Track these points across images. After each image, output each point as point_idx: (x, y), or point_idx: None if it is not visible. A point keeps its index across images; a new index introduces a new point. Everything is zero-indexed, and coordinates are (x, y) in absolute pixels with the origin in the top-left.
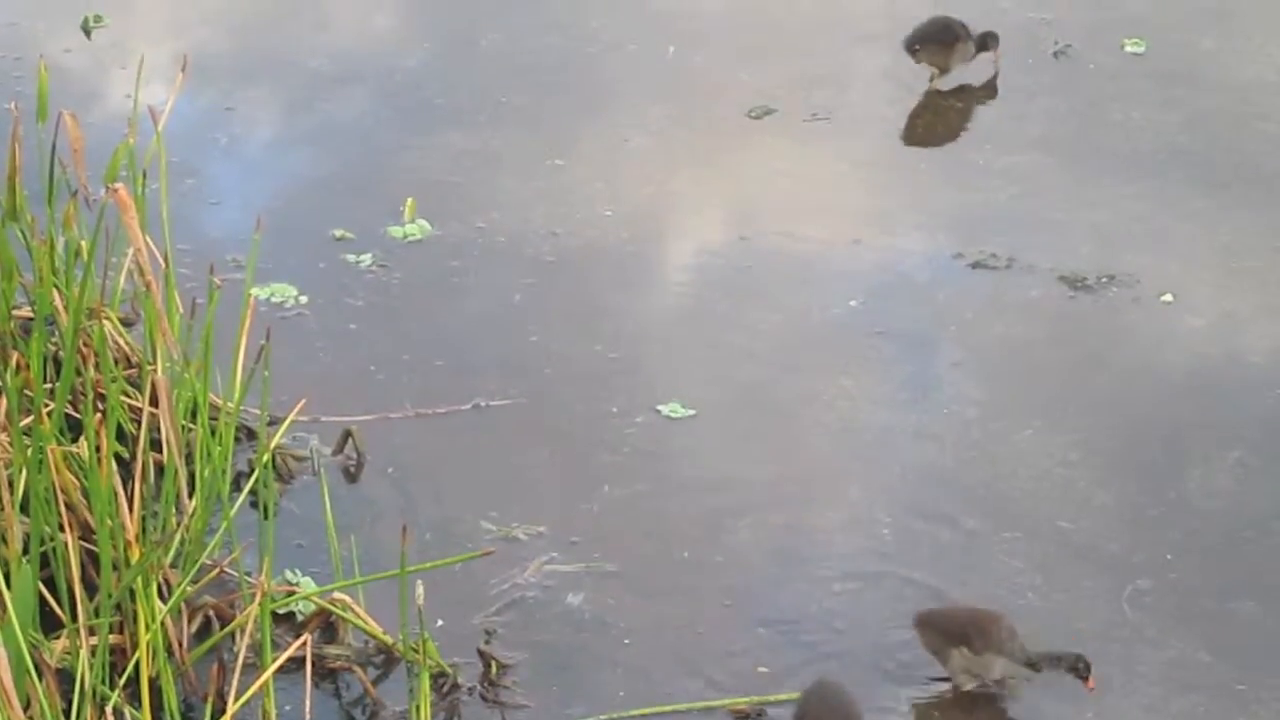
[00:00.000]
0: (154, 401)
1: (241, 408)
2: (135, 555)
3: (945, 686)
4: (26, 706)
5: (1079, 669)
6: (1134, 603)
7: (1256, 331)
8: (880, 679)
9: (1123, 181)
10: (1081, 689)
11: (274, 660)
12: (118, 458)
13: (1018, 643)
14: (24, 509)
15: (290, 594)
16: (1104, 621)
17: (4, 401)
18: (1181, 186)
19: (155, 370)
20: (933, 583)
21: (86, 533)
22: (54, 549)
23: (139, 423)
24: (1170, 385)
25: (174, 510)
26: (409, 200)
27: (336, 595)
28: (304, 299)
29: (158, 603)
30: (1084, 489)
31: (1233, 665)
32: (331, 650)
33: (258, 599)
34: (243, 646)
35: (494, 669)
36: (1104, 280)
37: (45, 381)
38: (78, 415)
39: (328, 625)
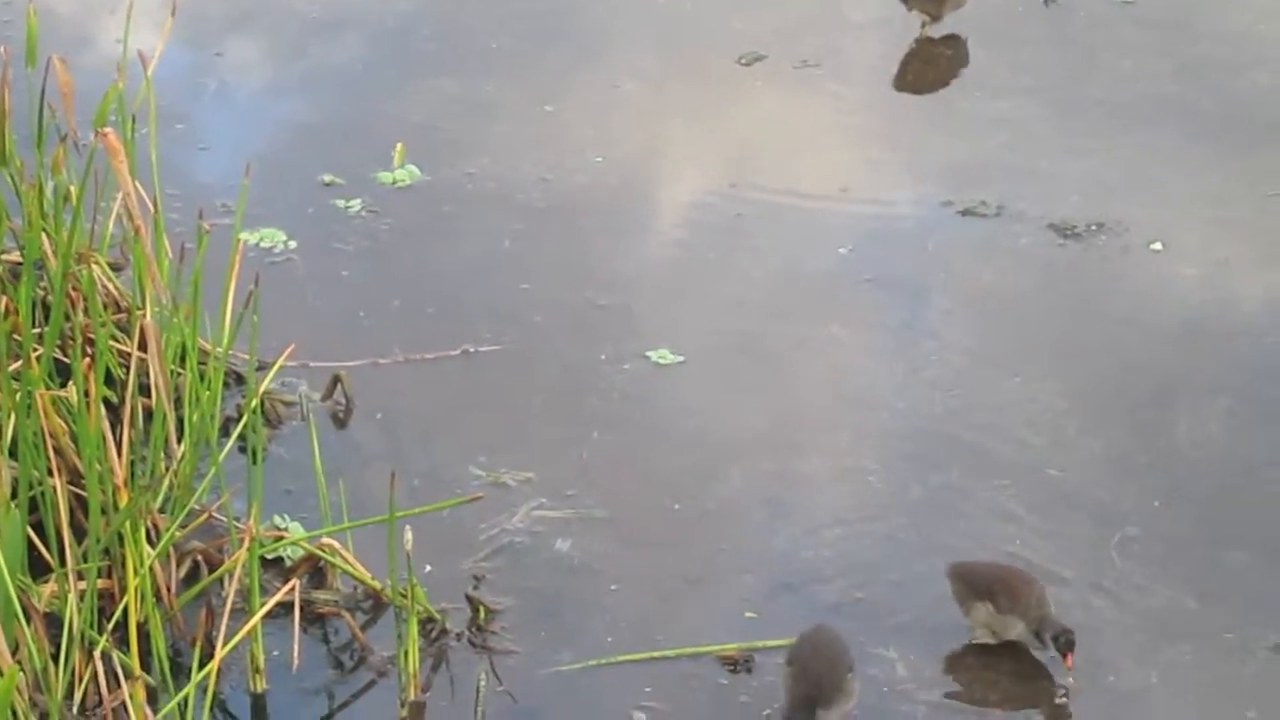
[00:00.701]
0: (143, 346)
1: (230, 353)
2: (124, 500)
3: (936, 634)
4: (14, 650)
5: (1059, 641)
6: (1122, 550)
7: (1246, 279)
8: (870, 626)
9: (1113, 130)
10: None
11: (262, 605)
12: (106, 403)
13: (1043, 612)
14: (12, 454)
15: (279, 539)
16: (1092, 569)
17: None
18: (1172, 135)
19: (144, 315)
20: (922, 530)
21: (75, 477)
22: (42, 494)
23: (128, 368)
24: (1160, 333)
25: (162, 455)
26: (399, 146)
27: (325, 540)
28: (293, 244)
29: (146, 547)
30: (1073, 436)
31: (1221, 614)
32: (320, 595)
33: (246, 544)
34: (231, 591)
35: (482, 614)
36: (1094, 228)
37: (34, 326)
38: (66, 360)
39: (316, 570)
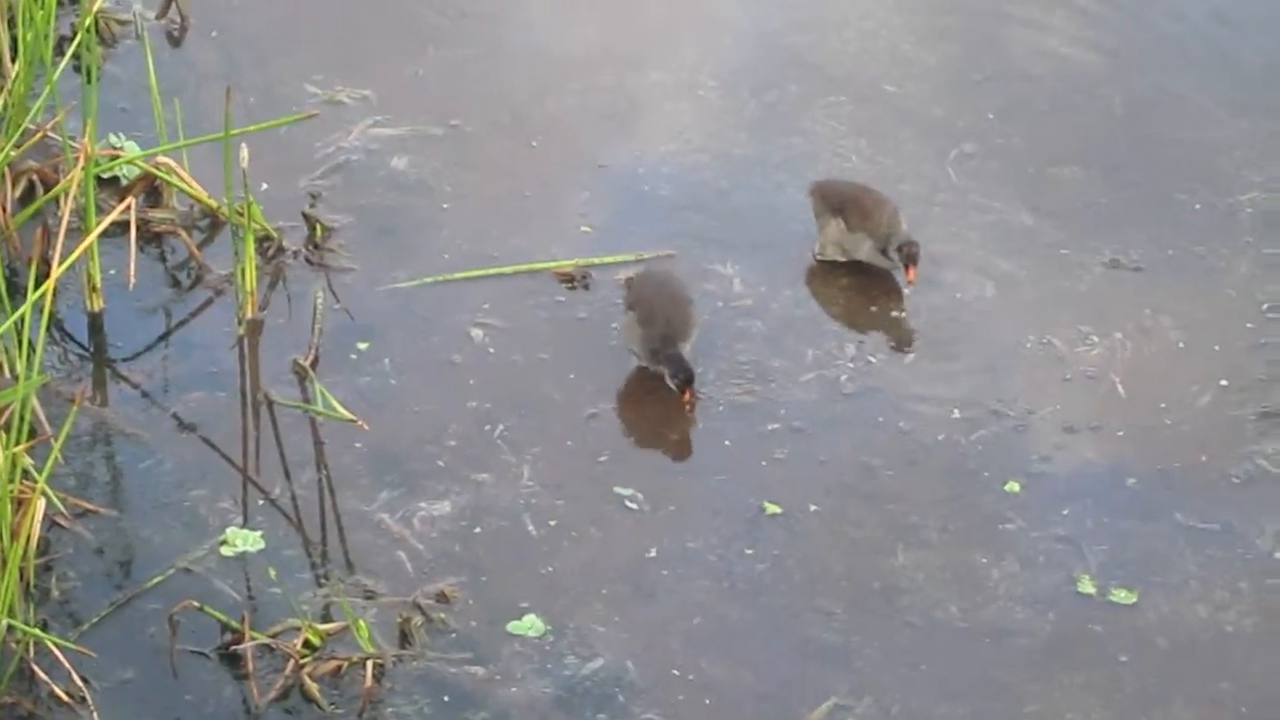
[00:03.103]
0: None
1: None
2: None
3: (772, 250)
4: None
5: (901, 253)
6: (958, 166)
7: None
8: (706, 242)
9: None
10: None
11: (98, 224)
12: None
13: (894, 233)
14: None
15: (114, 158)
16: (929, 185)
17: None
18: None
19: None
20: (758, 146)
21: None
22: None
23: None
24: None
25: None
26: None
27: (160, 159)
28: None
29: None
30: (909, 52)
31: (1056, 228)
32: (156, 214)
33: (81, 163)
34: (66, 211)
35: (319, 232)
36: None
37: None
38: None
39: (152, 190)
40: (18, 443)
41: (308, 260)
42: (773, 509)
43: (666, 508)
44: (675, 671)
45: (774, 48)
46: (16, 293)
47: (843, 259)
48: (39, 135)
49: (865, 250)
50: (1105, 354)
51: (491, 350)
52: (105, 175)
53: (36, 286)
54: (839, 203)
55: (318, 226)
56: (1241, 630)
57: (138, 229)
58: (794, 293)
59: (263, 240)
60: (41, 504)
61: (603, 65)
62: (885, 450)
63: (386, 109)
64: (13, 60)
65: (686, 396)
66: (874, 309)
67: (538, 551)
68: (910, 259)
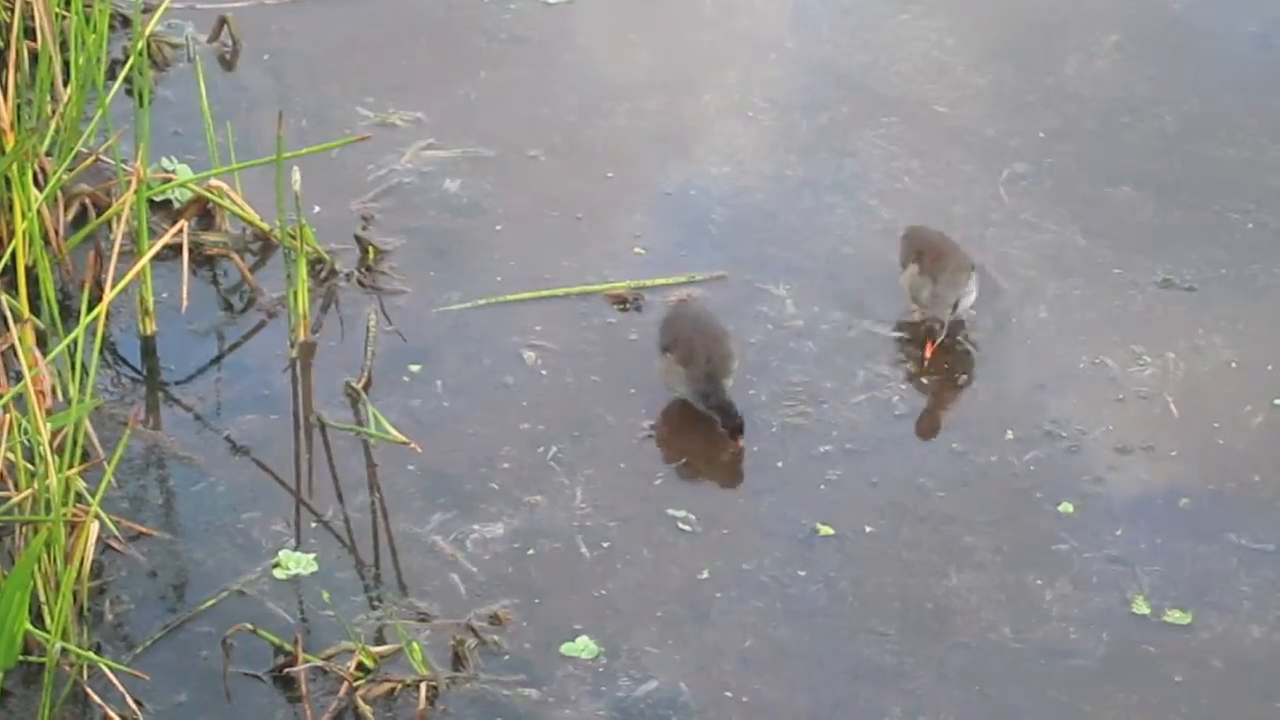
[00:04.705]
0: None
1: None
2: (10, 143)
3: (824, 271)
4: None
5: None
6: (1010, 186)
7: None
8: (758, 263)
9: None
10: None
11: (150, 247)
12: None
13: (957, 281)
14: None
15: (166, 181)
16: (980, 205)
17: None
18: None
19: None
20: (810, 168)
21: None
22: None
23: (12, 10)
24: None
25: (49, 98)
26: None
27: (213, 182)
28: None
29: (33, 191)
30: (961, 73)
31: (1109, 249)
32: (208, 237)
33: (133, 186)
34: (119, 234)
35: (371, 255)
36: None
37: None
38: None
39: (204, 213)
40: (71, 466)
41: (360, 283)
42: (826, 530)
43: (719, 530)
44: (729, 693)
45: (825, 69)
46: (69, 316)
47: (915, 312)
48: (91, 159)
49: (928, 292)
50: (1158, 374)
51: (544, 372)
52: (157, 199)
53: (89, 310)
54: (919, 248)
55: (370, 249)
56: None
57: (190, 252)
58: (845, 314)
59: (315, 263)
60: (95, 527)
61: (654, 88)
62: (938, 471)
63: (438, 131)
64: (65, 84)
65: (739, 444)
66: (926, 329)
67: (591, 573)
68: (930, 333)
